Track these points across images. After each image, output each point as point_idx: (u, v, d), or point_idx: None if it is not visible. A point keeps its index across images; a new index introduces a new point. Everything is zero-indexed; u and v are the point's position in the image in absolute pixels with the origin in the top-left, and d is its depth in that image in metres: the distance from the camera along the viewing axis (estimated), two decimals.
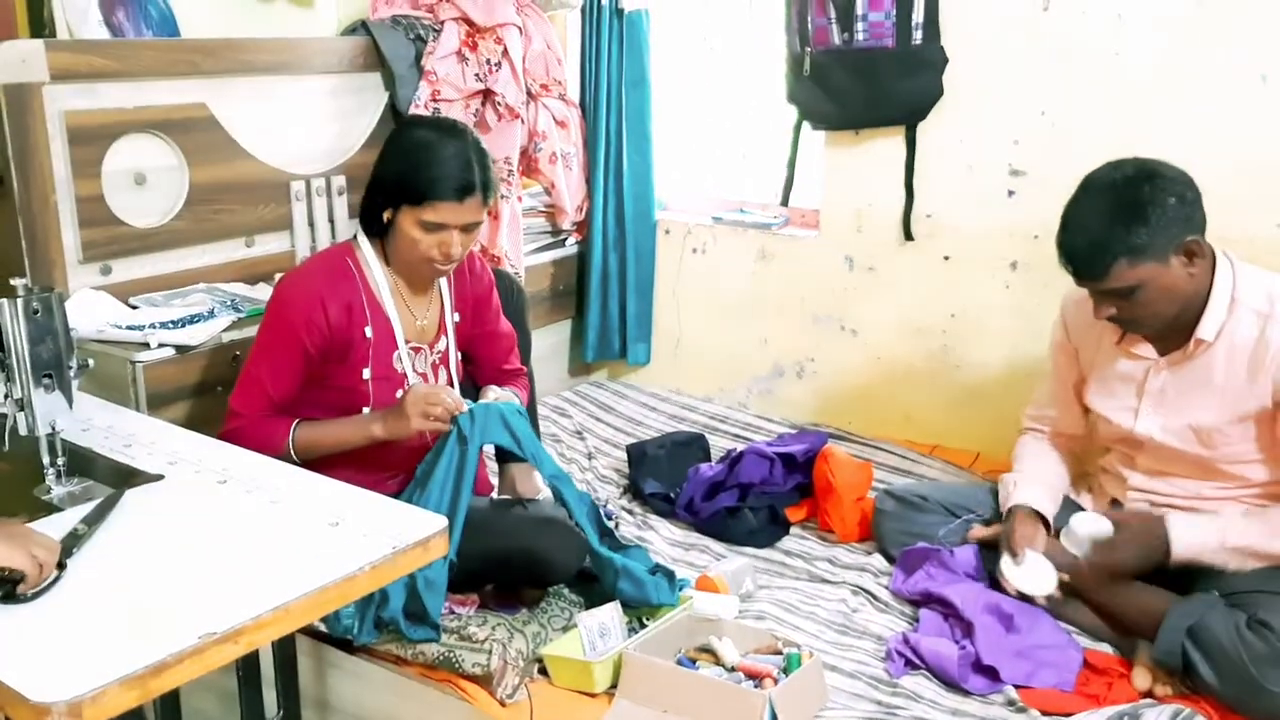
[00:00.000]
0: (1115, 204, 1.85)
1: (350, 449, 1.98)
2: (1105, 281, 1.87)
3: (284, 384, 1.98)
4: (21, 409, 1.44)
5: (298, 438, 1.96)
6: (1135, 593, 1.97)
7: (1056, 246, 1.94)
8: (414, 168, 1.93)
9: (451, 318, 2.14)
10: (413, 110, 2.80)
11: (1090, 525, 2.01)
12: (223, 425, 1.96)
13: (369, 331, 2.00)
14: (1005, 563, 2.04)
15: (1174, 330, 1.96)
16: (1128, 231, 1.83)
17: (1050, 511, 2.12)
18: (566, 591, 2.09)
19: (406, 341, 2.05)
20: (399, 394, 2.00)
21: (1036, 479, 2.17)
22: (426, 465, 1.97)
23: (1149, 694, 1.84)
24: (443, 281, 2.12)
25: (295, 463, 1.88)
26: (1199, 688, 1.81)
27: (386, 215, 1.98)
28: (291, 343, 1.95)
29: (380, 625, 1.89)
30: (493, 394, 2.08)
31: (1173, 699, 1.81)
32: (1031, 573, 2.01)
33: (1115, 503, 2.15)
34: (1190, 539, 1.91)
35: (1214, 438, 1.96)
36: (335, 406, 2.01)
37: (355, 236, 2.07)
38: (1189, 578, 1.94)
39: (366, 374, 2.01)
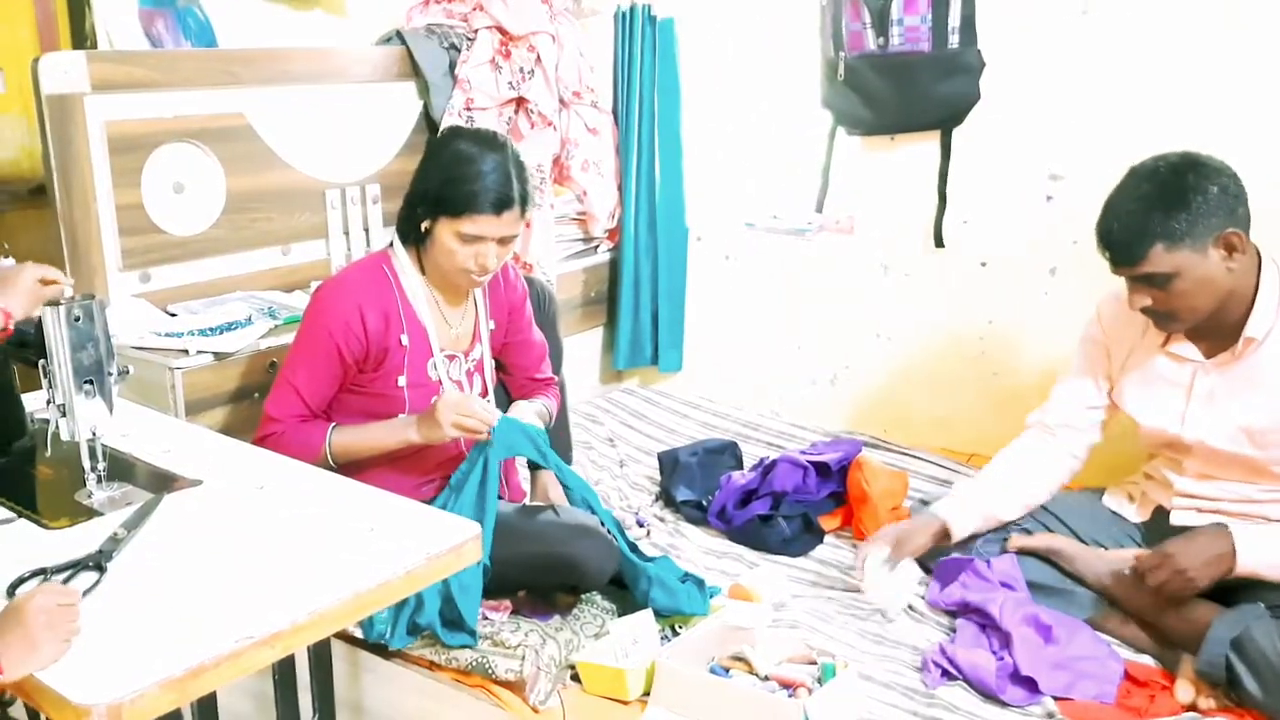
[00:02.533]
0: (1156, 189, 1.83)
1: (387, 453, 1.99)
2: (1140, 266, 1.84)
3: (320, 391, 2.00)
4: (63, 414, 1.46)
5: (335, 442, 1.97)
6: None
7: (1095, 232, 1.91)
8: (453, 180, 1.94)
9: (486, 325, 2.15)
10: (446, 118, 2.81)
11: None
12: (258, 431, 1.98)
13: (405, 340, 2.01)
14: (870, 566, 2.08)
15: (1217, 331, 1.93)
16: (1166, 216, 1.81)
17: (958, 524, 2.11)
18: (599, 599, 2.09)
19: (441, 349, 2.06)
20: (433, 400, 2.00)
21: (972, 490, 2.17)
22: (461, 474, 1.98)
23: (1192, 707, 1.80)
24: (477, 290, 2.12)
25: (332, 468, 1.90)
26: (1243, 701, 1.78)
27: (425, 225, 1.99)
28: (328, 350, 1.96)
29: (414, 630, 1.90)
30: (518, 412, 2.08)
31: (1216, 712, 1.78)
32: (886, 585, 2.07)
33: (1160, 510, 2.11)
34: (1258, 557, 1.86)
35: (1266, 438, 1.92)
36: (370, 413, 2.02)
37: (391, 245, 2.08)
38: (1232, 589, 1.90)
39: (402, 381, 2.02)
